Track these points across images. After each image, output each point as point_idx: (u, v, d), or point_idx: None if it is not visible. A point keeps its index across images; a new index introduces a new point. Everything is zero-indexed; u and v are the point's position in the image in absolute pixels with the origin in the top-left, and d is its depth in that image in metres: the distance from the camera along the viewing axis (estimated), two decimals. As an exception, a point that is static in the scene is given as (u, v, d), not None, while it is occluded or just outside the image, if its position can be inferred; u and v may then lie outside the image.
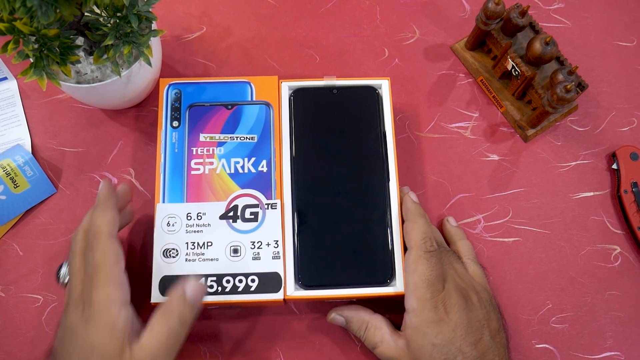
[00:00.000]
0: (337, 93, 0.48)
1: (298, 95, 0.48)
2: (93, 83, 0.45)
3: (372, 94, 0.48)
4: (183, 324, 0.39)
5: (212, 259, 0.44)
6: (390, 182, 0.47)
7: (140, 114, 0.54)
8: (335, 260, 0.44)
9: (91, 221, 0.40)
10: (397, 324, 0.45)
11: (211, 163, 0.46)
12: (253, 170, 0.46)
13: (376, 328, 0.44)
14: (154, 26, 0.45)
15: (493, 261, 0.50)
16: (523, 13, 0.50)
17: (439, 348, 0.40)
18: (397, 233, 0.45)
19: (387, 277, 0.44)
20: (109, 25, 0.41)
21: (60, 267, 0.44)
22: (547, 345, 0.48)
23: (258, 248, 0.44)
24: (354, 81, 0.49)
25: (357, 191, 0.45)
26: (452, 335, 0.40)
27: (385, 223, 0.45)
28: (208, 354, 0.47)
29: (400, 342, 0.42)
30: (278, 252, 0.44)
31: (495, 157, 0.54)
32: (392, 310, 0.49)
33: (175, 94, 0.48)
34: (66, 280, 0.42)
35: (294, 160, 0.46)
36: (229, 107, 0.48)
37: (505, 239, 0.51)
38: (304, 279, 0.43)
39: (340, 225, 0.44)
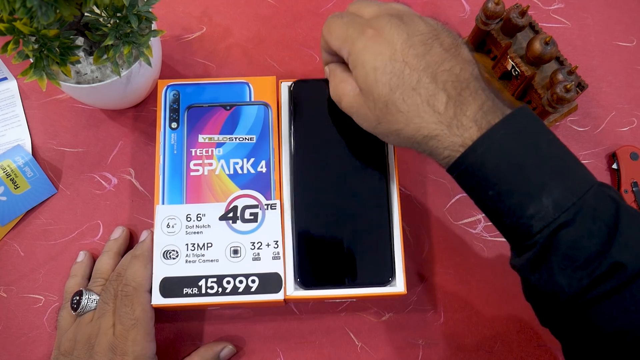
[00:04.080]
0: None
1: (298, 89, 0.47)
2: (93, 83, 0.45)
3: None
4: None
5: (212, 260, 0.44)
6: (390, 182, 0.47)
7: (140, 114, 0.54)
8: (335, 260, 0.43)
9: (132, 273, 0.43)
10: (396, 323, 0.45)
11: (210, 164, 0.46)
12: (252, 171, 0.46)
13: (341, 81, 0.41)
14: (154, 26, 0.45)
15: (493, 261, 0.50)
16: (523, 13, 0.50)
17: (381, 69, 0.36)
18: (397, 233, 0.45)
19: (387, 277, 0.43)
20: (109, 25, 0.41)
21: (80, 295, 0.44)
22: (548, 346, 0.48)
23: (258, 249, 0.44)
24: None
25: (358, 189, 0.45)
26: (390, 52, 0.36)
27: (386, 222, 0.44)
28: (208, 354, 0.47)
29: (356, 89, 0.39)
30: (278, 253, 0.44)
31: (495, 157, 0.54)
32: (393, 310, 0.49)
33: (173, 95, 0.48)
34: (85, 310, 0.44)
35: (293, 157, 0.45)
36: (228, 107, 0.48)
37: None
38: (303, 279, 0.43)
39: (340, 224, 0.44)
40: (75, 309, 0.44)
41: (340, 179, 0.45)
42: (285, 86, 0.48)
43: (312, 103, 0.46)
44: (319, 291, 0.43)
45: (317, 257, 0.44)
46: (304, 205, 0.45)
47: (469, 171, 0.35)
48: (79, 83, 0.46)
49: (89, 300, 0.44)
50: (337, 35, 0.40)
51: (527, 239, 0.34)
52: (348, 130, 0.46)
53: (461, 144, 0.35)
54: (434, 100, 0.35)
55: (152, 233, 0.45)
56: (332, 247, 0.44)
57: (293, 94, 0.46)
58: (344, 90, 0.40)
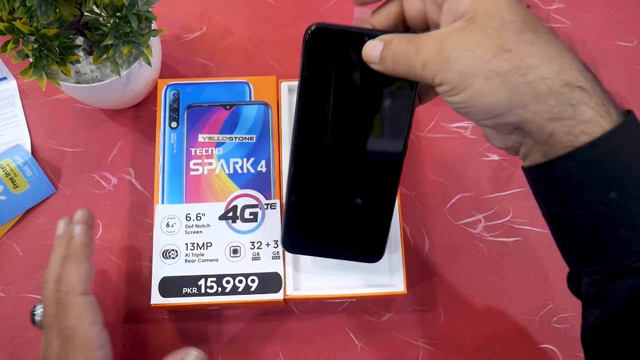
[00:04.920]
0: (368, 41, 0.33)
1: (316, 39, 0.33)
2: (93, 83, 0.45)
3: None
4: None
5: (211, 260, 0.44)
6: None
7: (140, 113, 0.54)
8: (324, 229, 0.39)
9: (64, 275, 0.39)
10: (396, 323, 0.45)
11: (210, 164, 0.46)
12: (252, 171, 0.46)
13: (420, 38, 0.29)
14: (153, 26, 0.45)
15: (493, 261, 0.50)
16: (523, 13, 0.50)
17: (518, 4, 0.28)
18: (397, 233, 0.45)
19: (375, 255, 0.39)
20: (108, 25, 0.41)
21: (35, 308, 0.41)
22: (549, 346, 0.48)
23: (258, 248, 0.44)
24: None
25: (366, 166, 0.37)
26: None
27: (389, 208, 0.38)
28: (208, 354, 0.47)
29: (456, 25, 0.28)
30: (278, 252, 0.44)
31: (496, 157, 0.54)
32: (393, 310, 0.49)
33: (173, 94, 0.48)
34: (42, 324, 0.40)
35: (302, 118, 0.35)
36: (228, 107, 0.48)
37: (506, 239, 0.51)
38: (287, 242, 0.39)
39: (339, 195, 0.38)
40: (35, 324, 0.41)
41: (348, 155, 0.37)
42: (285, 86, 0.48)
43: (332, 61, 0.34)
44: (319, 291, 0.42)
45: (306, 223, 0.39)
46: (302, 166, 0.37)
47: (588, 164, 0.26)
48: (78, 83, 0.46)
49: (41, 312, 0.40)
50: None
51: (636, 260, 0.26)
52: (374, 98, 0.35)
53: (598, 120, 0.26)
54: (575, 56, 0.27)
55: (83, 226, 0.41)
56: (323, 216, 0.39)
57: (309, 47, 0.33)
58: (438, 35, 0.28)
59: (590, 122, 0.26)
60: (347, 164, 0.37)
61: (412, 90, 0.34)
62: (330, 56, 0.33)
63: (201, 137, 0.47)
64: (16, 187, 0.49)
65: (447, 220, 0.52)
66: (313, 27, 0.33)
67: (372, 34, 0.32)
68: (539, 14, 0.55)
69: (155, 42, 0.48)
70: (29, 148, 0.52)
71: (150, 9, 0.42)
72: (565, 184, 0.27)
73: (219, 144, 0.47)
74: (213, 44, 0.57)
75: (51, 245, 0.49)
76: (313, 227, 0.39)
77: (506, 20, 0.27)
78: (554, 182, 0.28)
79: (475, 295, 0.50)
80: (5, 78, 0.54)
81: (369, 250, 0.39)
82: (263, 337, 0.48)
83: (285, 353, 0.47)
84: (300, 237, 0.39)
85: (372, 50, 0.31)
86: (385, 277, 0.46)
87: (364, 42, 0.32)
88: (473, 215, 0.52)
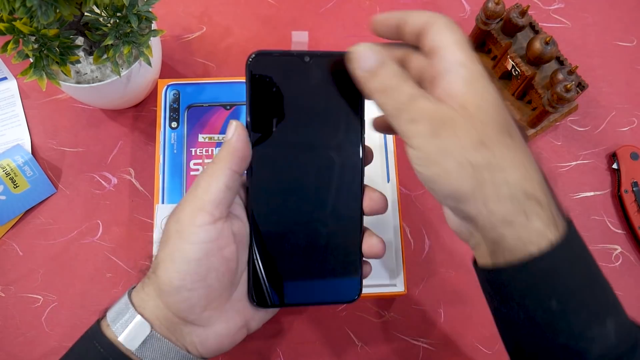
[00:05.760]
0: (310, 62, 0.34)
1: (259, 65, 0.33)
2: (93, 83, 0.45)
3: None
4: None
5: (211, 259, 0.43)
6: (390, 182, 0.47)
7: (140, 113, 0.54)
8: (295, 277, 0.35)
9: None
10: (397, 323, 0.45)
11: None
12: (253, 170, 0.46)
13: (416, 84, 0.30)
14: (153, 26, 0.45)
15: (493, 261, 0.50)
16: (523, 13, 0.50)
17: (501, 103, 0.29)
18: (397, 233, 0.45)
19: (354, 295, 0.35)
20: (108, 25, 0.41)
21: None
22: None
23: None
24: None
25: (326, 201, 0.35)
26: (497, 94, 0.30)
27: (356, 234, 0.35)
28: (208, 354, 0.47)
29: (444, 102, 0.29)
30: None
31: (495, 157, 0.54)
32: (393, 310, 0.49)
33: (173, 94, 0.48)
34: None
35: (254, 154, 0.33)
36: (228, 107, 0.48)
37: (505, 239, 0.51)
38: (258, 298, 0.34)
39: (303, 238, 0.35)
40: None
41: (307, 188, 0.35)
42: None
43: (276, 82, 0.33)
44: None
45: (273, 275, 0.35)
46: (263, 211, 0.35)
47: (535, 274, 0.28)
48: (79, 83, 0.46)
49: None
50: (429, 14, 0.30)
51: None
52: (321, 115, 0.34)
53: (546, 233, 0.28)
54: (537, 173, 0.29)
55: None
56: (291, 263, 0.35)
57: (252, 71, 0.33)
58: (416, 93, 0.29)
59: (539, 233, 0.27)
60: (305, 185, 0.34)
61: (360, 99, 0.34)
62: (275, 80, 0.33)
63: (201, 137, 0.47)
64: (16, 187, 0.50)
65: (447, 220, 0.52)
66: (254, 55, 0.33)
67: (312, 54, 0.33)
68: (538, 14, 0.55)
69: (155, 42, 0.48)
70: (29, 148, 0.52)
71: (150, 9, 0.42)
72: (511, 290, 0.29)
73: (219, 144, 0.47)
74: (213, 44, 0.57)
75: (52, 245, 0.50)
76: (279, 280, 0.35)
77: (492, 118, 0.28)
78: (500, 285, 0.29)
79: (475, 295, 0.50)
80: (5, 78, 0.54)
81: (343, 292, 0.36)
82: (263, 337, 0.48)
83: (285, 353, 0.47)
84: (271, 288, 0.35)
85: (366, 58, 0.31)
86: (385, 277, 0.46)
87: (305, 64, 0.33)
88: (473, 215, 0.52)
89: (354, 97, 0.34)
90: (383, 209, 0.34)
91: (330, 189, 0.35)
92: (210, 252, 0.31)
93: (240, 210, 0.34)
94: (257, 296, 0.34)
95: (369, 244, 0.34)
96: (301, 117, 0.34)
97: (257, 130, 0.33)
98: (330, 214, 0.35)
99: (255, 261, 0.34)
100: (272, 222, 0.34)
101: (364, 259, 0.35)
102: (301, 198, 0.34)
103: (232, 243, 0.32)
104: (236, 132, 0.32)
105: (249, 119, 0.33)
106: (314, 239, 0.35)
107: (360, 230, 0.35)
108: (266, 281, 0.35)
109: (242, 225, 0.33)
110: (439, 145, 0.28)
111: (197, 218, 0.31)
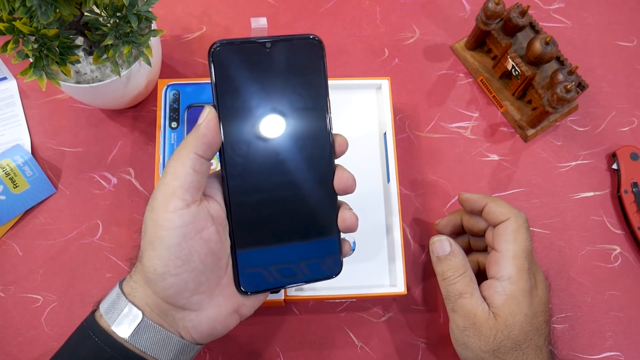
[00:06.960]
0: (270, 48, 0.34)
1: (222, 53, 0.34)
2: (93, 83, 0.45)
3: (315, 48, 0.35)
4: None
5: (211, 259, 0.43)
6: (390, 182, 0.47)
7: (140, 113, 0.54)
8: (275, 261, 0.36)
9: None
10: (397, 323, 0.45)
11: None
12: (253, 171, 0.46)
13: (471, 279, 0.41)
14: (153, 26, 0.45)
15: (493, 261, 0.50)
16: (523, 13, 0.50)
17: (529, 319, 0.39)
18: (397, 233, 0.45)
19: (336, 269, 0.37)
20: (108, 25, 0.41)
21: None
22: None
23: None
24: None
25: (299, 178, 0.36)
26: (539, 309, 0.39)
27: (332, 211, 0.36)
28: (208, 354, 0.47)
29: (484, 305, 0.40)
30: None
31: (495, 157, 0.54)
32: (393, 310, 0.49)
33: (173, 94, 0.48)
34: None
35: (222, 147, 0.34)
36: (229, 107, 0.48)
37: (505, 239, 0.51)
38: (243, 285, 0.35)
39: (279, 212, 0.36)
40: None
41: (279, 169, 0.36)
42: None
43: (239, 70, 0.34)
44: (317, 284, 0.40)
45: (254, 261, 0.36)
46: (237, 199, 0.35)
47: None
48: (78, 83, 0.46)
49: None
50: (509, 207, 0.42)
51: None
52: (286, 100, 0.35)
53: None
54: None
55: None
56: (271, 245, 0.36)
57: (214, 61, 0.34)
58: (476, 300, 0.40)
59: None
60: (278, 166, 0.35)
61: (323, 78, 0.35)
62: (239, 66, 0.34)
63: (201, 137, 0.47)
64: (16, 187, 0.49)
65: (447, 221, 0.52)
66: (217, 44, 0.34)
67: (273, 39, 0.34)
68: (538, 14, 0.55)
69: (155, 42, 0.48)
70: (29, 148, 0.52)
71: (150, 9, 0.42)
72: None
73: (219, 144, 0.47)
74: (213, 44, 0.57)
75: (51, 245, 0.50)
76: (263, 255, 0.35)
77: (512, 335, 0.38)
78: None
79: (475, 295, 0.50)
80: (5, 78, 0.54)
81: (324, 268, 0.37)
82: (263, 337, 0.48)
83: (285, 353, 0.47)
84: (255, 272, 0.35)
85: (439, 248, 0.42)
86: (385, 277, 0.46)
87: (267, 49, 0.34)
88: (473, 216, 0.52)
89: (317, 77, 0.35)
90: (352, 187, 0.36)
91: (302, 168, 0.36)
92: (188, 236, 0.32)
93: (219, 195, 0.35)
94: (242, 283, 0.35)
95: (342, 218, 0.36)
96: (268, 100, 0.35)
97: (226, 116, 0.34)
98: (304, 193, 0.36)
99: (236, 248, 0.35)
100: (247, 206, 0.35)
101: (341, 235, 0.37)
102: (274, 180, 0.35)
103: (210, 225, 0.33)
104: (206, 119, 0.33)
105: (216, 107, 0.34)
106: (291, 218, 0.36)
107: (336, 207, 0.36)
108: (248, 268, 0.35)
109: (219, 209, 0.34)
110: (464, 339, 0.40)
111: (170, 204, 0.32)
